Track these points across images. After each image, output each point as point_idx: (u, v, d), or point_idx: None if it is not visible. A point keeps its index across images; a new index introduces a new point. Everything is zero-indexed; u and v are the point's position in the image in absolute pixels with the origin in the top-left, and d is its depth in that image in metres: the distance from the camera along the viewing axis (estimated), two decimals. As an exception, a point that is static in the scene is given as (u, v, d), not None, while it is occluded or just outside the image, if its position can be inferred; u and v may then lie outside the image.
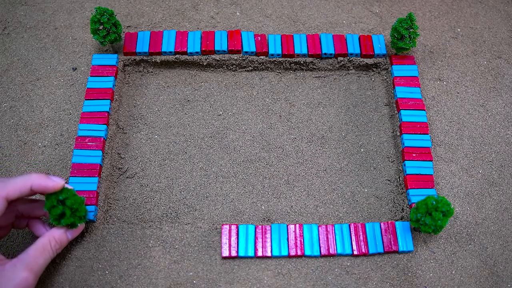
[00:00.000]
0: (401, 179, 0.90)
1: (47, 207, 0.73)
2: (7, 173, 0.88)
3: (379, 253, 0.83)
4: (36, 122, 0.94)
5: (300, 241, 0.82)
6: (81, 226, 0.79)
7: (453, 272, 0.83)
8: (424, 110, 0.94)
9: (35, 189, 0.71)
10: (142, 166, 0.91)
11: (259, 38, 1.01)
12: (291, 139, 0.95)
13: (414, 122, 0.93)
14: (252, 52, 0.99)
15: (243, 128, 0.96)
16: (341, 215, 0.88)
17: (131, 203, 0.88)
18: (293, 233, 0.83)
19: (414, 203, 0.85)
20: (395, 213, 0.88)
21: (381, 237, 0.83)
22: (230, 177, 0.91)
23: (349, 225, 0.84)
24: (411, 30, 0.95)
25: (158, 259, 0.81)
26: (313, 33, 1.05)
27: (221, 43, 0.99)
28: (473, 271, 0.83)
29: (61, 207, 0.73)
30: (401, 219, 0.87)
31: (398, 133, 0.94)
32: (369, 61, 1.01)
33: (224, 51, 0.99)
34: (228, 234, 0.82)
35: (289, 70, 1.03)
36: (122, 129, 0.95)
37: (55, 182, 0.72)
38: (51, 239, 0.74)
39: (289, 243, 0.82)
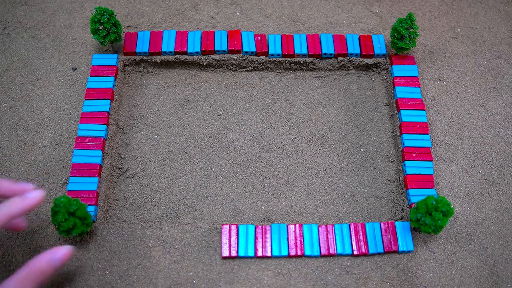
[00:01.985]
0: (401, 179, 0.90)
1: (56, 221, 0.73)
2: (7, 173, 0.88)
3: (379, 253, 0.83)
4: (36, 122, 0.94)
5: (300, 241, 0.82)
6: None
7: (453, 272, 0.83)
8: (424, 110, 0.94)
9: (16, 217, 0.69)
10: (142, 166, 0.91)
11: (259, 38, 1.01)
12: (291, 139, 0.95)
13: (414, 122, 0.93)
14: (252, 52, 0.99)
15: (243, 128, 0.96)
16: (341, 215, 0.88)
17: (131, 203, 0.88)
18: (293, 233, 0.83)
19: (414, 203, 0.85)
20: (395, 213, 0.88)
21: (381, 237, 0.83)
22: (230, 177, 0.91)
23: (349, 225, 0.84)
24: (411, 30, 0.95)
25: (158, 259, 0.81)
26: (313, 33, 1.05)
27: (221, 43, 0.99)
28: (473, 271, 0.83)
29: (72, 219, 0.73)
30: (401, 219, 0.87)
31: (398, 133, 0.94)
32: (369, 61, 1.01)
33: (224, 51, 0.99)
34: (228, 234, 0.82)
35: (289, 70, 1.03)
36: (122, 129, 0.95)
37: (33, 200, 0.70)
38: (34, 271, 0.69)
39: (289, 243, 0.82)
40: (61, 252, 0.71)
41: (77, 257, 0.81)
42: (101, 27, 0.94)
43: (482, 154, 0.94)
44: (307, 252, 0.81)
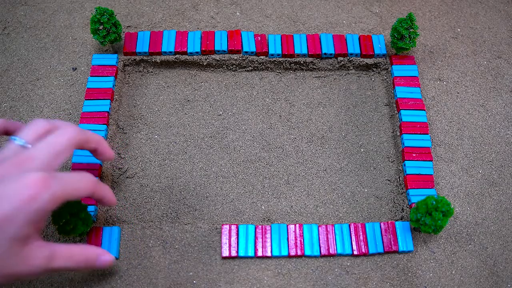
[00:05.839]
0: (401, 179, 0.90)
1: (57, 222, 0.73)
2: (7, 173, 0.88)
3: (379, 253, 0.83)
4: (36, 122, 0.94)
5: (300, 241, 0.82)
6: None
7: (453, 272, 0.83)
8: (424, 110, 0.94)
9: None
10: (142, 166, 0.91)
11: (259, 38, 1.01)
12: (291, 139, 0.95)
13: (414, 122, 0.93)
14: (252, 52, 0.99)
15: (243, 128, 0.96)
16: (341, 215, 0.88)
17: (131, 203, 0.88)
18: (293, 233, 0.83)
19: (414, 203, 0.85)
20: (395, 213, 0.88)
21: (381, 237, 0.83)
22: (230, 177, 0.91)
23: (349, 225, 0.84)
24: (411, 30, 0.95)
25: (158, 259, 0.81)
26: (313, 33, 1.05)
27: (221, 43, 0.99)
28: (473, 271, 0.83)
29: (73, 220, 0.73)
30: (401, 219, 0.87)
31: (398, 133, 0.94)
32: (369, 61, 1.01)
33: (224, 51, 0.99)
34: (228, 234, 0.82)
35: (289, 70, 1.03)
36: (122, 129, 0.95)
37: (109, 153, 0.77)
38: (82, 256, 0.68)
39: (289, 243, 0.82)
40: (108, 258, 0.73)
41: (77, 257, 0.81)
42: (101, 27, 0.94)
43: (482, 154, 0.94)
44: (307, 252, 0.81)
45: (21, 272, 0.60)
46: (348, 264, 0.82)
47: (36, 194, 0.57)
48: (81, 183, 0.66)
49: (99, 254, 0.72)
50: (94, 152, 0.77)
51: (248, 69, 1.02)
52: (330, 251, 0.82)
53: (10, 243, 0.57)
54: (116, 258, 0.80)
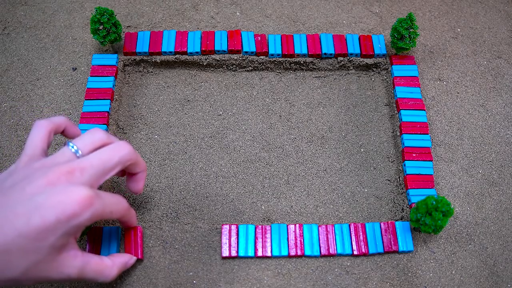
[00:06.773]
0: (401, 179, 0.90)
1: None
2: (7, 173, 0.88)
3: (379, 253, 0.83)
4: (36, 122, 0.94)
5: (300, 241, 0.82)
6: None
7: (453, 272, 0.83)
8: (424, 110, 0.94)
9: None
10: (142, 166, 0.91)
11: (259, 38, 1.01)
12: (291, 139, 0.95)
13: (414, 122, 0.93)
14: (252, 52, 0.99)
15: (243, 128, 0.96)
16: (341, 215, 0.88)
17: (131, 203, 0.87)
18: (293, 233, 0.83)
19: (414, 203, 0.85)
20: (395, 213, 0.88)
21: (381, 237, 0.83)
22: (230, 177, 0.91)
23: (349, 225, 0.84)
24: (411, 30, 0.95)
25: (158, 259, 0.81)
26: (313, 33, 1.05)
27: (221, 43, 0.99)
28: (473, 271, 0.83)
29: None
30: (401, 219, 0.87)
31: (398, 133, 0.94)
32: (369, 61, 1.01)
33: (224, 51, 0.99)
34: (228, 234, 0.82)
35: (289, 70, 1.03)
36: (122, 129, 0.95)
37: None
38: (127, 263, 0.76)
39: (289, 243, 0.82)
40: (133, 261, 0.78)
41: (77, 257, 0.81)
42: (101, 27, 0.94)
43: (482, 154, 0.94)
44: (307, 252, 0.81)
45: (53, 278, 0.63)
46: (348, 264, 0.82)
47: (81, 212, 0.60)
48: (118, 207, 0.69)
49: (127, 263, 0.76)
50: (130, 175, 0.77)
51: (248, 69, 1.02)
52: (330, 251, 0.82)
53: (48, 250, 0.59)
54: None
